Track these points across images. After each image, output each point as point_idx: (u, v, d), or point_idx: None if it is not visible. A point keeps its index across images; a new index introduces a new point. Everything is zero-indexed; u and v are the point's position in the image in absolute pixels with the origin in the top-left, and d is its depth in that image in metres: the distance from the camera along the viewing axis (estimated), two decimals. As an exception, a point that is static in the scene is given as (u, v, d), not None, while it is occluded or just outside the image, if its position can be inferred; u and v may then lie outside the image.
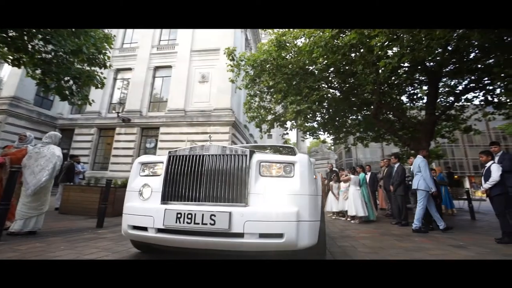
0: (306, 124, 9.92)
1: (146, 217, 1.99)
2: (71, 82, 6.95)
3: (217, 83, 13.54)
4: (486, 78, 7.95)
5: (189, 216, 1.86)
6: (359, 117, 11.11)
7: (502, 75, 6.89)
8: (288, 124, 10.50)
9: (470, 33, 5.37)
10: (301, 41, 8.70)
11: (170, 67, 14.52)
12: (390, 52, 6.42)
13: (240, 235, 1.84)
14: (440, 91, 9.60)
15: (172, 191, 2.08)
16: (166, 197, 2.08)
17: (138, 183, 2.28)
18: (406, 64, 8.32)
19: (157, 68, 14.88)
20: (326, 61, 7.52)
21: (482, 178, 4.03)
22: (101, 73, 7.62)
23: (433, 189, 4.82)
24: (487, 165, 3.96)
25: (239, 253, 1.97)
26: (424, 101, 10.21)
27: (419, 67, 8.34)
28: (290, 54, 8.75)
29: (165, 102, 14.28)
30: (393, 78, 8.78)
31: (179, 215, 1.88)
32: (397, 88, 9.84)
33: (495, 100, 8.95)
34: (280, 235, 1.83)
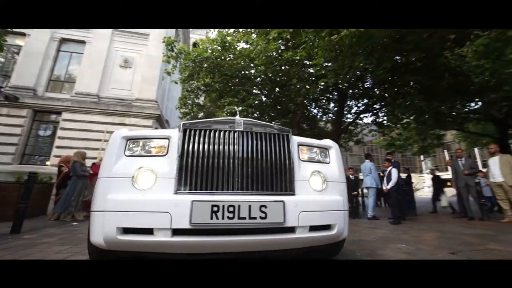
0: None
1: (155, 214, 1.42)
2: None
3: (143, 71, 12.38)
4: (377, 104, 10.44)
5: (231, 209, 1.45)
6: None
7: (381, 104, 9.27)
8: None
9: (374, 68, 7.07)
10: (242, 45, 9.16)
11: (83, 42, 12.30)
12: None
13: (292, 229, 1.56)
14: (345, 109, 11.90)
15: (191, 177, 1.56)
16: (184, 186, 1.54)
17: (127, 167, 1.58)
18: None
19: (64, 40, 12.32)
20: (265, 70, 8.20)
21: (385, 179, 5.50)
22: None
23: (380, 186, 6.20)
24: (388, 169, 5.44)
25: (270, 253, 1.65)
26: (333, 115, 12.42)
27: (335, 87, 10.16)
28: (231, 56, 9.06)
29: (73, 83, 11.99)
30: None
31: (215, 209, 1.43)
32: (314, 102, 11.56)
33: (380, 120, 11.82)
34: (329, 227, 1.67)
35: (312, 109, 12.28)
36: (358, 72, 7.49)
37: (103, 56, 12.11)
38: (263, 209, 1.50)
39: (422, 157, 25.99)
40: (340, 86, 10.05)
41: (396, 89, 8.44)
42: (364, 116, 12.59)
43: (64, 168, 5.93)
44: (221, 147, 1.65)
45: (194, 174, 1.58)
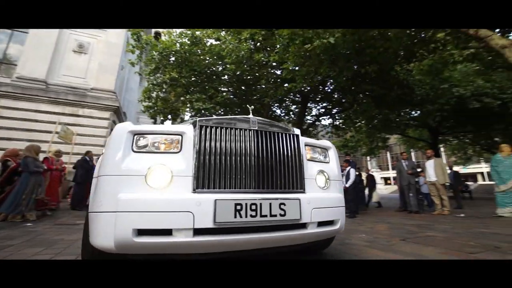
0: None
1: (176, 213, 1.36)
2: None
3: (100, 58, 11.47)
4: (335, 109, 11.33)
5: (253, 207, 1.47)
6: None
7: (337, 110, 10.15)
8: (187, 118, 10.53)
9: (336, 75, 7.73)
10: (212, 41, 9.12)
11: (27, 21, 10.86)
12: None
13: (304, 225, 1.65)
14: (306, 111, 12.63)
15: (210, 176, 1.53)
16: (203, 184, 1.50)
17: (138, 163, 1.46)
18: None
19: (1, 15, 10.72)
20: (235, 68, 8.32)
21: (344, 178, 6.10)
22: None
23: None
24: (347, 169, 6.06)
25: (279, 249, 1.70)
26: (294, 116, 13.09)
27: (298, 90, 10.75)
28: (200, 51, 8.97)
29: (13, 65, 10.56)
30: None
31: (238, 207, 1.43)
32: (278, 102, 12.04)
33: (337, 123, 12.84)
34: (332, 222, 1.78)
35: (276, 109, 12.79)
36: (320, 78, 8.12)
37: (53, 38, 10.89)
38: (282, 206, 1.55)
39: (368, 157, 28.68)
40: (303, 89, 10.72)
41: (353, 96, 9.31)
42: (323, 119, 13.53)
43: (11, 163, 5.31)
44: (238, 145, 1.63)
45: (212, 172, 1.54)
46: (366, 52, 6.85)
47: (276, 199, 1.56)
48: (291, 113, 13.47)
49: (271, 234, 1.53)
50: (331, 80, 8.98)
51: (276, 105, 11.70)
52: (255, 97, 9.91)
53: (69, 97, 10.66)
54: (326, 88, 10.53)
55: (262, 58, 7.45)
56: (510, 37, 6.41)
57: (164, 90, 9.51)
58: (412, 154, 39.22)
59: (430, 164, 6.56)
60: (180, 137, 1.60)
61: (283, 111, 13.19)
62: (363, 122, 11.87)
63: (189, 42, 8.44)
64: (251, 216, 1.45)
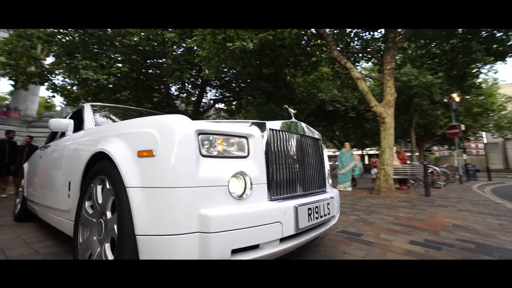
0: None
1: (267, 226, 1.26)
2: None
3: None
4: (231, 97, 12.31)
5: (316, 209, 1.58)
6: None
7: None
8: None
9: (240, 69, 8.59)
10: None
11: None
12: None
13: (333, 218, 1.87)
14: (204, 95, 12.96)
15: (281, 182, 1.51)
16: (277, 191, 1.46)
17: (214, 171, 1.25)
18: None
19: None
20: (139, 42, 7.58)
21: None
22: None
23: None
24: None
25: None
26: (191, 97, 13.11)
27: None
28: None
29: None
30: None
31: (309, 211, 1.50)
32: (181, 84, 11.74)
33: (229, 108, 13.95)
34: (334, 217, 1.91)
35: (172, 89, 12.40)
36: (225, 69, 8.75)
37: None
38: (328, 206, 1.72)
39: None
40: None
41: (250, 90, 10.56)
42: (217, 103, 14.31)
43: None
44: (295, 149, 1.66)
45: (284, 178, 1.52)
46: (267, 54, 8.00)
47: (324, 199, 1.71)
48: (185, 93, 13.39)
49: (319, 230, 1.68)
50: (234, 71, 9.75)
51: (177, 87, 11.41)
52: (158, 75, 9.34)
53: None
54: (227, 78, 11.24)
55: (174, 39, 7.20)
56: (362, 72, 9.26)
57: (35, 45, 7.37)
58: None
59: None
60: (245, 139, 1.43)
61: (182, 91, 12.92)
62: (253, 111, 13.53)
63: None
64: (316, 218, 1.55)
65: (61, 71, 8.48)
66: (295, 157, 1.63)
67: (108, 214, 1.35)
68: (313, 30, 7.74)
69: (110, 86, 8.50)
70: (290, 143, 1.62)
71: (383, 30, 8.17)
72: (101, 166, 1.46)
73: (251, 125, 1.50)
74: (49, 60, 8.83)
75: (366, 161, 29.13)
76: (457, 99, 12.96)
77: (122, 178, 1.23)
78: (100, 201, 1.42)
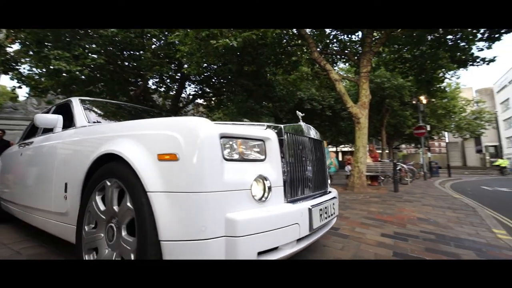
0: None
1: (287, 228, 1.30)
2: None
3: None
4: (210, 92, 12.22)
5: (325, 210, 1.65)
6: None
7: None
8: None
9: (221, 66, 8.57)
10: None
11: None
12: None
13: (335, 216, 1.94)
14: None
15: (296, 184, 1.56)
16: (292, 193, 1.51)
17: (238, 175, 1.27)
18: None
19: None
20: (117, 33, 7.29)
21: None
22: None
23: None
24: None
25: None
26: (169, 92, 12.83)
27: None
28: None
29: None
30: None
31: (321, 211, 1.57)
32: (160, 78, 11.43)
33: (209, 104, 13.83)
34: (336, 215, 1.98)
35: (150, 83, 12.04)
36: (206, 65, 8.69)
37: None
38: (333, 205, 1.81)
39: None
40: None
41: (231, 87, 10.56)
42: (197, 99, 14.14)
43: None
44: (305, 152, 1.71)
45: (297, 180, 1.57)
46: (249, 51, 8.05)
47: (331, 199, 1.80)
48: (164, 87, 13.08)
49: (326, 228, 1.77)
50: (215, 67, 9.70)
51: (155, 81, 11.11)
52: (135, 68, 9.04)
53: None
54: (207, 73, 11.13)
55: (155, 32, 7.02)
56: (340, 73, 9.61)
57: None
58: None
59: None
60: (262, 142, 1.45)
61: (160, 85, 12.59)
62: (232, 107, 13.52)
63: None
64: (325, 218, 1.63)
65: (28, 59, 7.93)
66: (306, 159, 1.69)
67: (121, 219, 1.31)
68: (294, 30, 7.92)
69: (83, 78, 8.10)
70: (301, 145, 1.68)
71: (360, 34, 8.58)
72: (109, 168, 1.40)
73: (266, 128, 1.53)
74: (15, 47, 8.21)
75: (340, 158, 30.29)
76: (424, 101, 14.01)
77: (143, 182, 1.18)
78: (108, 206, 1.37)
